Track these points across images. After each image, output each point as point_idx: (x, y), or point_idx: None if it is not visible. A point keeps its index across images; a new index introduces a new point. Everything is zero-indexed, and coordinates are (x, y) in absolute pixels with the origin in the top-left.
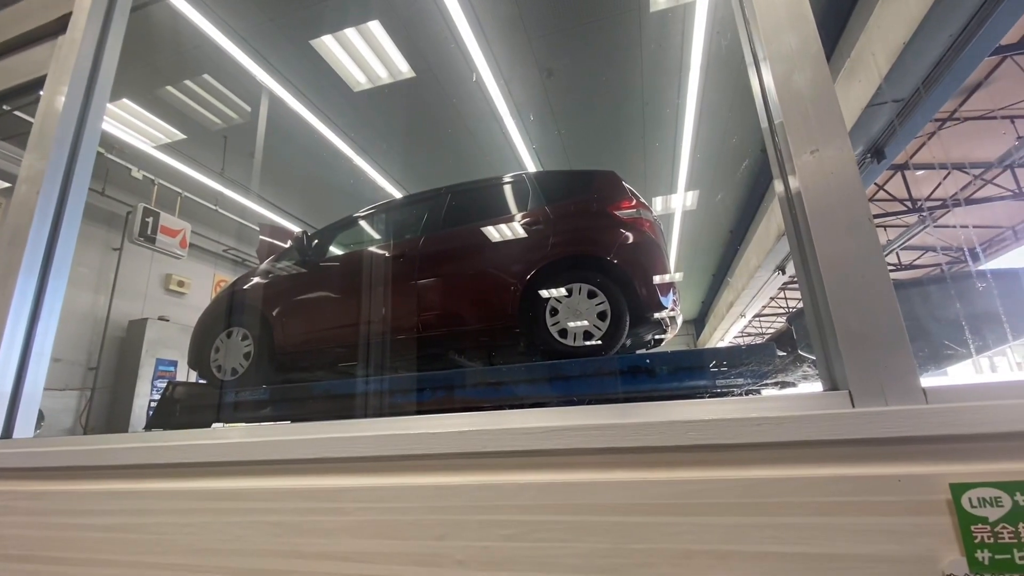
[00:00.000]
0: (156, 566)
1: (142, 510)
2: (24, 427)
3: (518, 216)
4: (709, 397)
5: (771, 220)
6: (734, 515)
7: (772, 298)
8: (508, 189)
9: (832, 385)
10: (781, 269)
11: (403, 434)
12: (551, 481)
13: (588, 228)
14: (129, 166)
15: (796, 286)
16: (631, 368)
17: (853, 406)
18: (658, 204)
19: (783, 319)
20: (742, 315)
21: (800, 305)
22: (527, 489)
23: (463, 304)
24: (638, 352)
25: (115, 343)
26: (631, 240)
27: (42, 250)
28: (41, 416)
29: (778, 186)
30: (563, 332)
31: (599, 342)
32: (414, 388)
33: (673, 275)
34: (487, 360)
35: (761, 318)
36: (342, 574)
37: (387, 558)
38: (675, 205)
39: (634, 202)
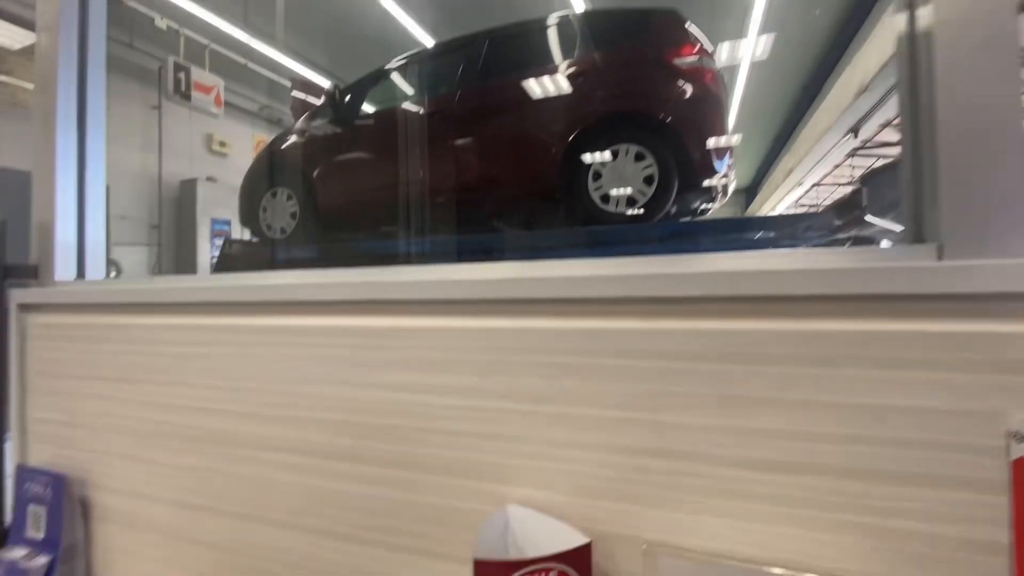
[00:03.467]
0: (226, 388)
1: (209, 341)
2: (94, 270)
3: (562, 66)
4: None
5: (853, 73)
6: (784, 365)
7: (836, 165)
8: (552, 33)
9: (918, 237)
10: (854, 131)
11: (445, 280)
12: (593, 328)
13: (641, 80)
14: (152, 14)
15: (867, 153)
16: (674, 235)
17: (940, 259)
18: (723, 52)
19: (846, 188)
20: (799, 184)
21: (874, 166)
22: (568, 334)
23: (501, 166)
24: (683, 220)
25: (171, 203)
26: (690, 94)
27: (74, 96)
28: (118, 268)
29: None
30: (605, 198)
31: (641, 210)
32: (453, 251)
33: (731, 137)
34: (525, 225)
35: (820, 187)
36: (390, 400)
37: (432, 389)
38: (743, 54)
39: (697, 48)
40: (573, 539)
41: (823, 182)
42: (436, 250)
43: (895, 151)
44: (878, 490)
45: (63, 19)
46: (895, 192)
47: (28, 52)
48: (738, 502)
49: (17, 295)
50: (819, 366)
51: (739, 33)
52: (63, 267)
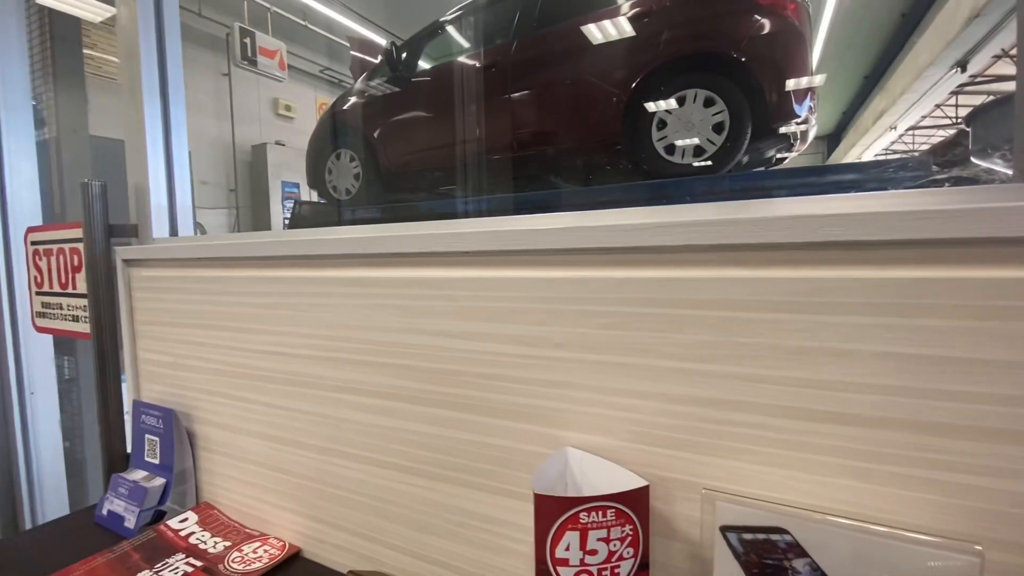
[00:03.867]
0: (304, 335)
1: (286, 292)
2: (185, 229)
3: (625, 6)
4: None
5: None
6: (861, 315)
7: (938, 105)
8: None
9: None
10: (961, 66)
11: (506, 231)
12: (654, 277)
13: (712, 16)
14: None
15: (975, 90)
16: (746, 187)
17: None
18: None
19: (947, 131)
20: (892, 127)
21: (982, 103)
22: (628, 283)
23: (561, 118)
24: (755, 170)
25: (244, 167)
26: (768, 29)
27: (155, 66)
28: (203, 229)
29: None
30: (670, 148)
31: (708, 162)
32: (513, 209)
33: (814, 78)
34: (587, 180)
35: (915, 132)
36: (453, 347)
37: (492, 337)
38: None
39: None
40: (630, 481)
41: (920, 125)
42: (496, 207)
43: (1010, 86)
44: (946, 444)
45: None
46: (1006, 130)
47: (107, 25)
48: (801, 453)
49: (121, 251)
50: (899, 316)
51: None
52: (158, 226)
